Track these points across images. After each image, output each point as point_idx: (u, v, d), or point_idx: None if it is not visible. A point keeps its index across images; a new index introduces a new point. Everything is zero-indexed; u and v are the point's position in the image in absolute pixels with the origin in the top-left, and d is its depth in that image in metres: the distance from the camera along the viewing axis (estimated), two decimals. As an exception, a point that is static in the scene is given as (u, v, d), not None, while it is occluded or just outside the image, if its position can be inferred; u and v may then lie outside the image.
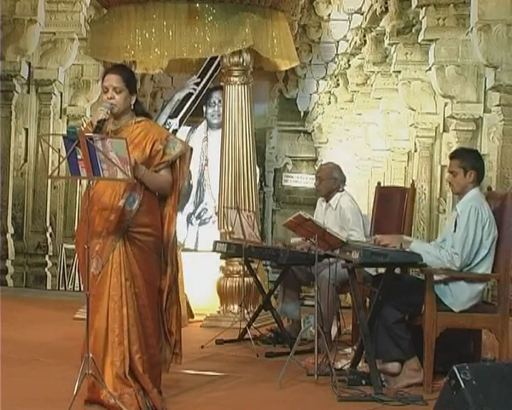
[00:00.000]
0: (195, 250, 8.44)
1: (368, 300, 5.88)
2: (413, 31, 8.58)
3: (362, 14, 8.86)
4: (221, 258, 7.20)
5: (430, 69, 8.44)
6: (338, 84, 8.98)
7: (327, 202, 6.62)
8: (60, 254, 9.19)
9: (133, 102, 4.62)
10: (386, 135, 8.77)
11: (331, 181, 6.58)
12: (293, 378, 5.35)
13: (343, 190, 6.62)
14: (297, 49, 8.53)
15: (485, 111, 8.30)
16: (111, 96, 4.54)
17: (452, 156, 5.49)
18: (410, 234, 6.27)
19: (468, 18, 8.17)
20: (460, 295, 5.22)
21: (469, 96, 8.32)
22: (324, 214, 6.60)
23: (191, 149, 4.75)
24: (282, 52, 7.58)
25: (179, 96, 8.23)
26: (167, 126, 7.96)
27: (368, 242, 5.75)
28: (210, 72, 8.17)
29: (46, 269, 9.30)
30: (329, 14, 8.96)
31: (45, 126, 9.28)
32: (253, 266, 6.96)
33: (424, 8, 8.35)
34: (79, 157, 4.24)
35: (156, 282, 4.61)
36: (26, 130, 9.36)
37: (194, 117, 8.50)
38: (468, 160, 5.38)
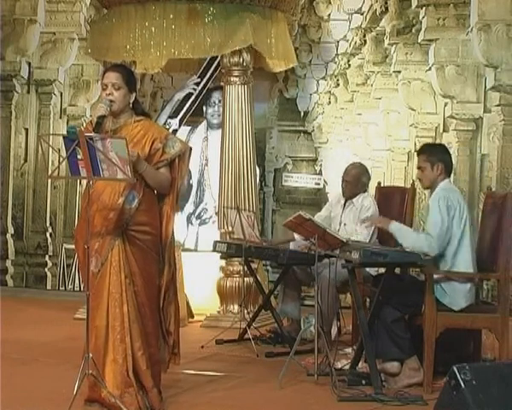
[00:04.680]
0: (195, 250, 8.44)
1: (368, 300, 5.88)
2: (413, 31, 8.57)
3: (362, 14, 8.84)
4: (221, 258, 7.19)
5: (430, 69, 8.44)
6: (338, 84, 8.97)
7: (347, 200, 6.60)
8: (60, 254, 9.18)
9: (132, 100, 4.64)
10: (386, 135, 8.77)
11: (359, 185, 6.55)
12: (294, 378, 5.36)
13: (365, 190, 6.62)
14: (297, 49, 8.53)
15: (485, 111, 8.30)
16: (110, 93, 4.57)
17: (419, 153, 5.54)
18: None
19: (468, 18, 8.18)
20: (455, 294, 5.23)
21: (469, 96, 8.32)
22: (343, 212, 6.59)
23: (190, 149, 4.76)
24: (281, 52, 7.57)
25: (179, 96, 8.23)
26: (167, 126, 7.96)
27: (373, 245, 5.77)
28: (210, 72, 8.17)
29: (46, 269, 9.29)
30: (329, 14, 8.94)
31: (45, 126, 9.27)
32: (253, 266, 6.96)
33: (424, 8, 8.35)
34: (79, 157, 4.24)
35: (155, 280, 4.61)
36: (26, 130, 9.35)
37: (194, 117, 8.50)
38: (435, 153, 5.41)
